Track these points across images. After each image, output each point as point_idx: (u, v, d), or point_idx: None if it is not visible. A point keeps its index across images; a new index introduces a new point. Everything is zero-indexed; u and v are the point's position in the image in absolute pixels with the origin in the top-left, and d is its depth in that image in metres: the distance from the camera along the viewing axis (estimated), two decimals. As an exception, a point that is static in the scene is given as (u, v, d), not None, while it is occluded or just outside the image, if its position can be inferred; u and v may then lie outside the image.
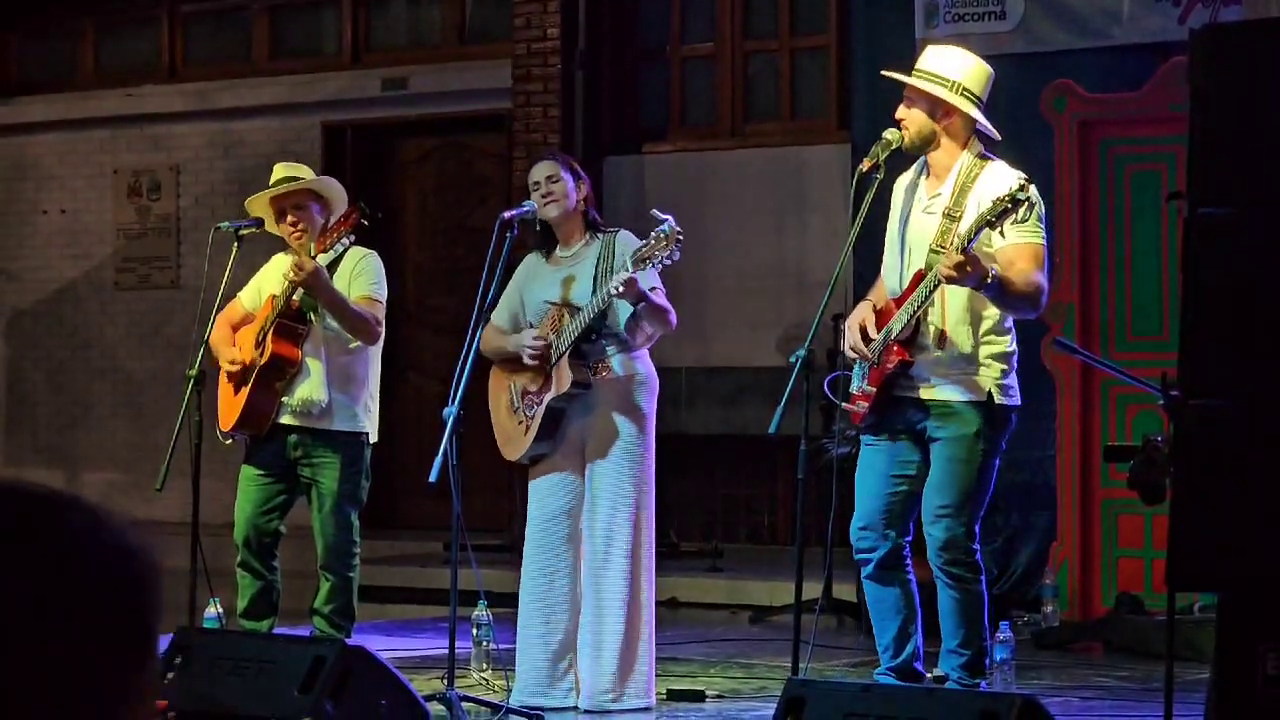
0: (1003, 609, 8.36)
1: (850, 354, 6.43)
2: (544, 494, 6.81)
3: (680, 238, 6.37)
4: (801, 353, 6.08)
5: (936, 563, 6.33)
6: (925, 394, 6.31)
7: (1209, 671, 4.76)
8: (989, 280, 6.02)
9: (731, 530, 11.79)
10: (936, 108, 6.35)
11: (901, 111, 6.40)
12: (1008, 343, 6.34)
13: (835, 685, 5.83)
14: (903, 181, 6.49)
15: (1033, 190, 6.06)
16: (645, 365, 6.78)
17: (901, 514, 6.41)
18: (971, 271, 5.97)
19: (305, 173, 7.65)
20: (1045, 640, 8.49)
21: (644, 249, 6.43)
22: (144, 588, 1.61)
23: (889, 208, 6.55)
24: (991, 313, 6.30)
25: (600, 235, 6.82)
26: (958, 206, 6.27)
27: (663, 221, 6.36)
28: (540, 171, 6.88)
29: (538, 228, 6.89)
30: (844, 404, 6.47)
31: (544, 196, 6.80)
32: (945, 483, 6.27)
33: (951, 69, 6.38)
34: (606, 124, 12.20)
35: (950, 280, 6.02)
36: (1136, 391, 7.14)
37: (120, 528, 1.61)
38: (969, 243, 6.02)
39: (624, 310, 6.61)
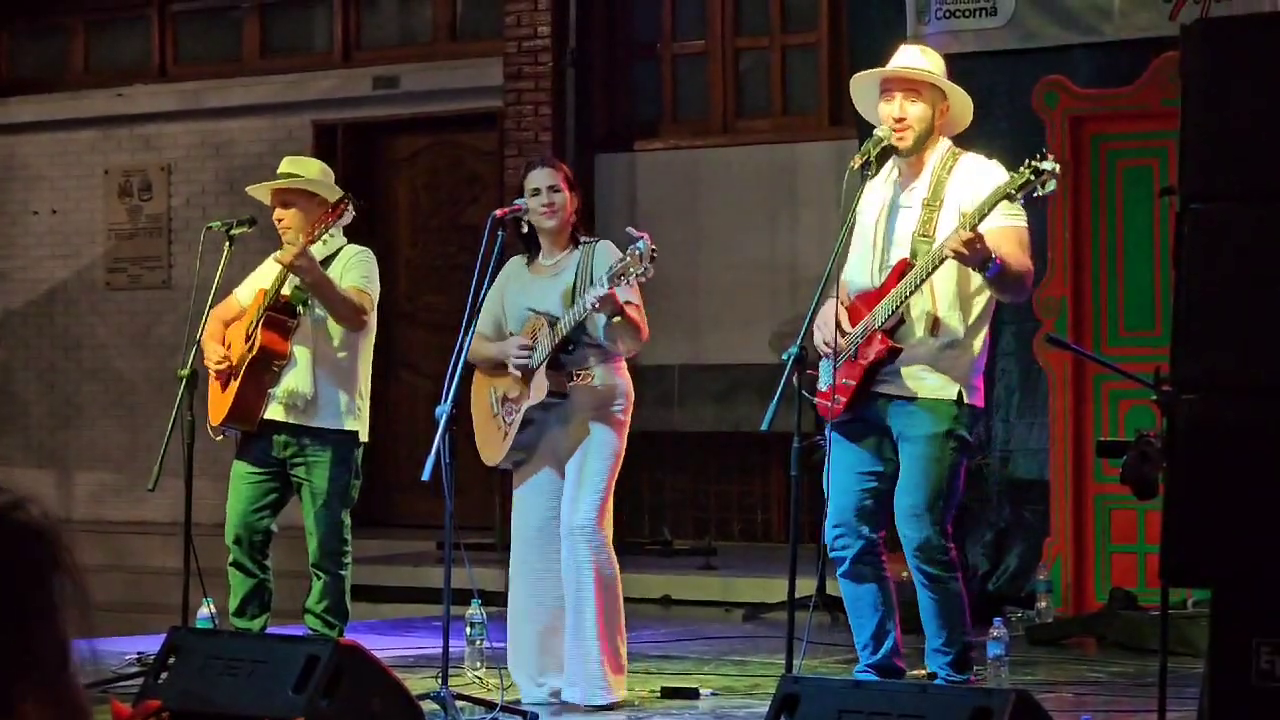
0: (996, 604, 8.36)
1: (824, 349, 6.42)
2: (528, 506, 6.85)
3: (654, 256, 6.38)
4: (794, 349, 6.06)
5: (913, 563, 6.36)
6: (898, 389, 6.32)
7: (1203, 666, 4.76)
8: (992, 261, 6.03)
9: (725, 527, 11.79)
10: (938, 101, 6.35)
11: (899, 109, 6.37)
12: (981, 345, 6.38)
13: (829, 682, 5.81)
14: (872, 183, 6.47)
15: (1052, 159, 6.02)
16: (624, 377, 6.81)
17: (875, 509, 6.43)
18: (980, 249, 5.99)
19: (306, 168, 7.65)
20: (1039, 636, 8.49)
21: (619, 265, 6.44)
22: (16, 563, 1.55)
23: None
24: (978, 301, 6.32)
25: (581, 245, 6.82)
26: (935, 198, 6.29)
27: (638, 239, 6.37)
28: (542, 179, 6.80)
29: (524, 230, 6.86)
30: (815, 399, 6.47)
31: (545, 206, 6.76)
32: (916, 482, 6.29)
33: (931, 65, 6.41)
34: (598, 121, 12.20)
35: (958, 257, 6.02)
36: (1129, 386, 7.14)
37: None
38: (980, 220, 6.04)
39: (602, 319, 6.63)
